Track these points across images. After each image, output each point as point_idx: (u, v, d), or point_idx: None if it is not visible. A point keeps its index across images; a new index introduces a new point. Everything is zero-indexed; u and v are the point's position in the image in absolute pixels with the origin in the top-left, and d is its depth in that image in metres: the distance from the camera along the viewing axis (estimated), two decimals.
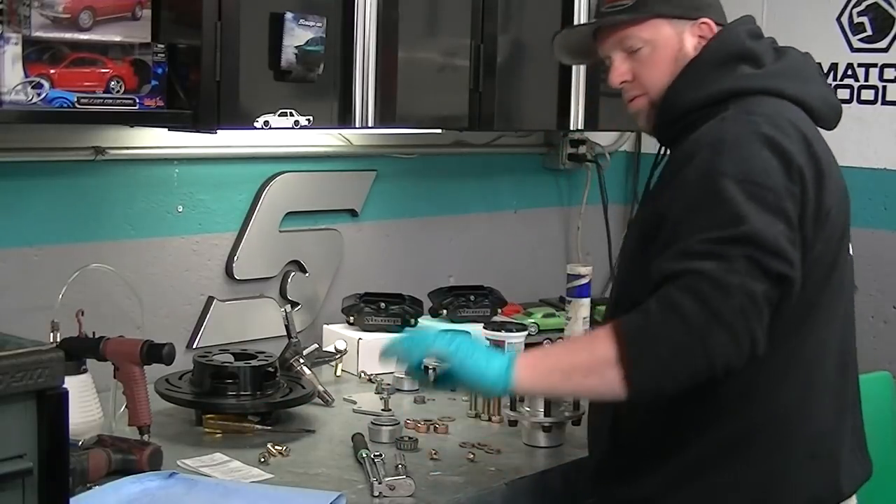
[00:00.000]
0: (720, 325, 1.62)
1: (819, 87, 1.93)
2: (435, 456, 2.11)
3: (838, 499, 1.89)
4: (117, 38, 2.05)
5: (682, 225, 1.73)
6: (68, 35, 1.99)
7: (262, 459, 2.06)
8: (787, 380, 1.82)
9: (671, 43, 1.91)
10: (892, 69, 3.16)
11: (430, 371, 1.74)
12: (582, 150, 3.46)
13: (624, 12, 1.92)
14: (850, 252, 1.95)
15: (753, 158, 1.73)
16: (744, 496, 1.82)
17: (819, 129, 1.92)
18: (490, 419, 2.38)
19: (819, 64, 2.02)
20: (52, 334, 2.06)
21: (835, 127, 1.96)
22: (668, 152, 1.99)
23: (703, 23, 1.92)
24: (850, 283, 1.95)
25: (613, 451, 1.91)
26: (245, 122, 2.21)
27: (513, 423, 2.28)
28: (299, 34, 2.21)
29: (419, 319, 2.79)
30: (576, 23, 2.81)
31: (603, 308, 3.07)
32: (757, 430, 1.81)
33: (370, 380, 2.64)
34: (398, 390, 2.56)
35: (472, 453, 2.15)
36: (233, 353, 2.35)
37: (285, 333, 2.52)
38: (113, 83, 2.06)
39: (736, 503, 1.82)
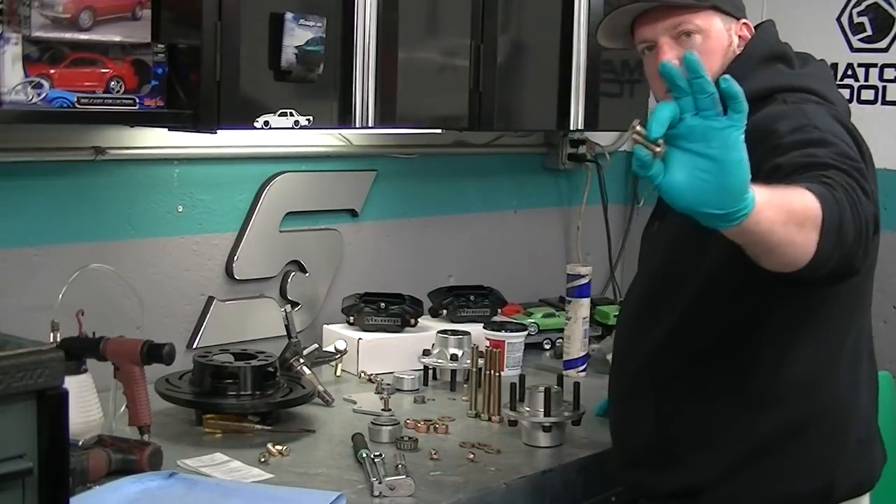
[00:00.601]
0: (867, 229, 1.55)
1: (838, 92, 1.98)
2: (435, 456, 2.11)
3: (873, 483, 1.94)
4: (117, 38, 2.05)
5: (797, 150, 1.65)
6: (68, 35, 1.99)
7: (262, 459, 2.06)
8: (842, 365, 1.87)
9: (722, 36, 1.94)
10: (892, 69, 3.16)
11: (657, 147, 1.34)
12: (582, 150, 3.46)
13: None
14: None
15: (834, 126, 1.76)
16: (799, 482, 1.85)
17: None
18: (490, 419, 2.39)
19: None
20: (52, 334, 2.06)
21: None
22: None
23: (745, 23, 1.97)
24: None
25: (657, 438, 1.92)
26: (245, 122, 2.21)
27: (513, 423, 2.28)
28: (299, 34, 2.21)
29: (419, 319, 2.79)
30: (576, 22, 2.81)
31: (603, 308, 3.09)
32: (819, 414, 1.85)
33: (370, 380, 2.64)
34: (398, 390, 2.56)
35: (472, 453, 2.15)
36: (233, 353, 2.35)
37: (285, 333, 2.52)
38: (113, 83, 2.06)
39: (791, 489, 1.85)
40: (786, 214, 1.46)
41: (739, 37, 1.96)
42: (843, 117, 1.84)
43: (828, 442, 1.86)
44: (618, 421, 2.04)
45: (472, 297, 2.93)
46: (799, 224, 1.47)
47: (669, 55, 1.89)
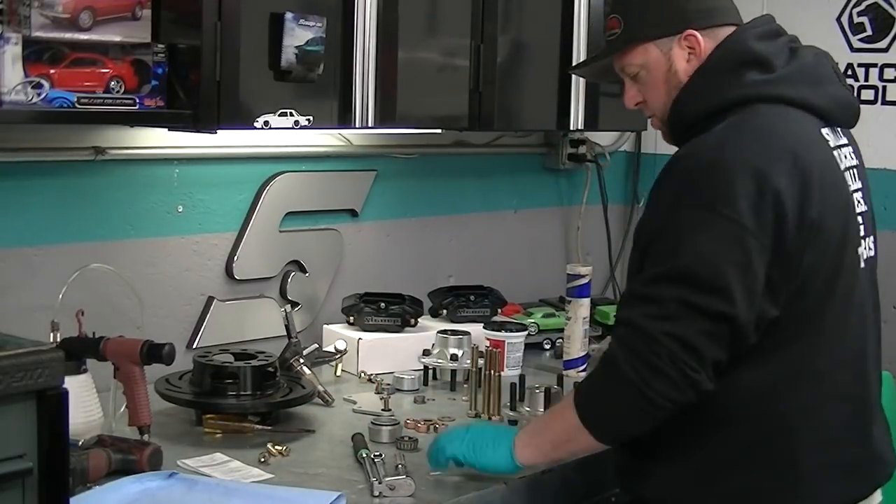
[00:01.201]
0: (655, 373, 1.71)
1: (831, 88, 1.92)
2: None
3: (858, 500, 1.90)
4: (117, 38, 2.05)
5: (636, 255, 1.85)
6: (68, 35, 1.98)
7: (262, 459, 2.06)
8: (793, 391, 1.81)
9: (660, 64, 1.94)
10: (892, 69, 3.16)
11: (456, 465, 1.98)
12: (582, 150, 3.46)
13: (613, 43, 1.98)
14: (869, 254, 1.94)
15: (720, 184, 1.74)
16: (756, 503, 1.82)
17: (839, 128, 1.93)
18: (490, 419, 2.38)
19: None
20: (52, 334, 2.06)
21: (854, 124, 1.97)
22: None
23: (689, 34, 1.91)
24: (866, 288, 1.93)
25: (624, 451, 1.92)
26: (245, 122, 2.21)
27: (513, 423, 2.28)
28: (299, 34, 2.21)
29: (419, 319, 2.79)
30: (576, 22, 2.82)
31: (603, 308, 3.09)
32: (762, 439, 1.81)
33: (370, 380, 2.64)
34: (398, 390, 2.56)
35: None
36: (233, 353, 2.35)
37: (285, 333, 2.52)
38: (113, 83, 2.06)
39: None
40: (552, 445, 1.90)
41: (689, 48, 1.91)
42: (759, 159, 1.75)
43: (778, 465, 1.80)
44: None
45: (472, 297, 2.92)
46: (567, 440, 1.86)
47: (631, 93, 2.01)
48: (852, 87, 3.20)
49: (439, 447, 1.98)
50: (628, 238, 3.58)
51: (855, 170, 1.94)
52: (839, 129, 1.94)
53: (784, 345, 1.79)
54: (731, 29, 1.93)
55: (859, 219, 1.91)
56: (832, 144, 1.89)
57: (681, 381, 1.70)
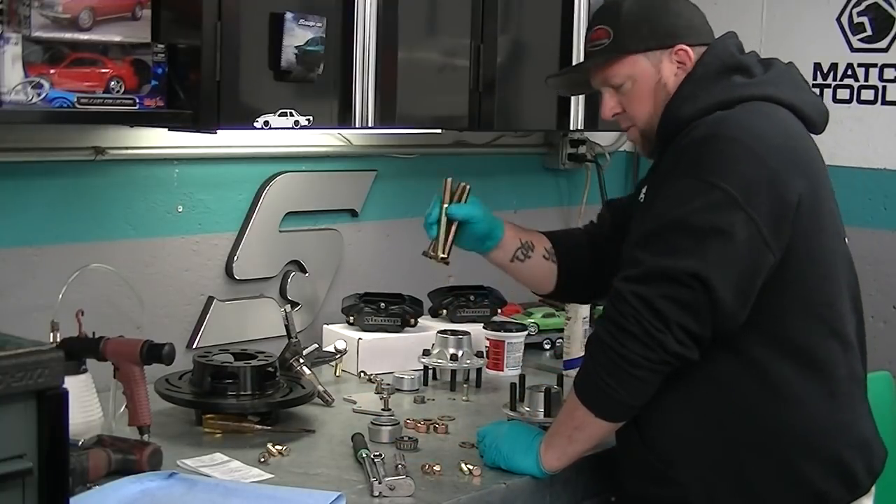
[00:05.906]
0: (622, 332, 1.76)
1: (808, 94, 1.99)
2: (435, 456, 2.11)
3: (873, 478, 1.96)
4: (117, 38, 2.05)
5: (648, 215, 1.88)
6: (68, 35, 1.98)
7: (262, 459, 2.06)
8: (811, 382, 1.86)
9: (649, 75, 1.98)
10: (892, 69, 3.16)
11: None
12: (582, 150, 3.46)
13: (602, 52, 2.00)
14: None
15: (717, 155, 1.80)
16: (788, 496, 1.85)
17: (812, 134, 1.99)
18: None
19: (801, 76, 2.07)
20: (52, 334, 2.06)
21: (822, 131, 2.03)
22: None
23: (680, 49, 1.97)
24: (848, 276, 1.97)
25: (643, 448, 1.93)
26: (245, 122, 2.21)
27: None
28: (299, 34, 2.21)
29: (419, 319, 2.79)
30: (576, 22, 2.82)
31: (602, 308, 3.09)
32: (782, 430, 1.85)
33: (370, 380, 2.64)
34: (398, 390, 2.56)
35: (472, 453, 2.14)
36: (233, 353, 2.35)
37: (285, 333, 2.52)
38: (113, 83, 2.06)
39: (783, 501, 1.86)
40: (569, 439, 1.91)
41: (679, 63, 1.97)
42: (759, 142, 1.82)
43: (811, 455, 1.86)
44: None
45: (472, 297, 2.93)
46: (579, 428, 1.89)
47: (611, 104, 2.03)
48: (852, 86, 3.21)
49: (480, 453, 2.06)
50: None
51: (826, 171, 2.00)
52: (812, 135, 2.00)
53: (794, 336, 1.84)
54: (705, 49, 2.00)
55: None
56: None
57: (646, 339, 1.74)
